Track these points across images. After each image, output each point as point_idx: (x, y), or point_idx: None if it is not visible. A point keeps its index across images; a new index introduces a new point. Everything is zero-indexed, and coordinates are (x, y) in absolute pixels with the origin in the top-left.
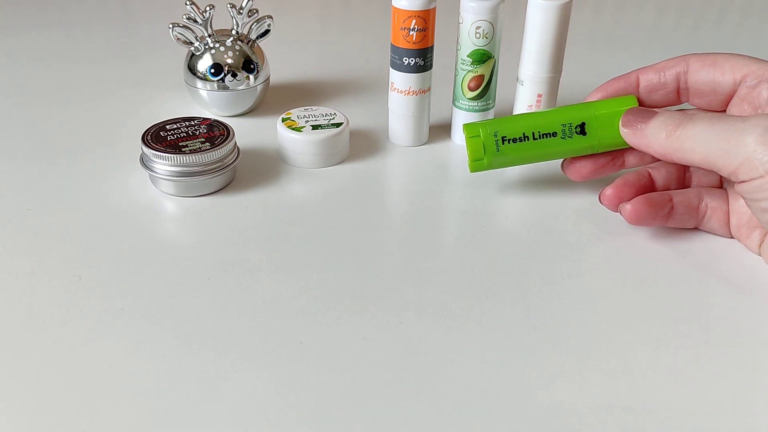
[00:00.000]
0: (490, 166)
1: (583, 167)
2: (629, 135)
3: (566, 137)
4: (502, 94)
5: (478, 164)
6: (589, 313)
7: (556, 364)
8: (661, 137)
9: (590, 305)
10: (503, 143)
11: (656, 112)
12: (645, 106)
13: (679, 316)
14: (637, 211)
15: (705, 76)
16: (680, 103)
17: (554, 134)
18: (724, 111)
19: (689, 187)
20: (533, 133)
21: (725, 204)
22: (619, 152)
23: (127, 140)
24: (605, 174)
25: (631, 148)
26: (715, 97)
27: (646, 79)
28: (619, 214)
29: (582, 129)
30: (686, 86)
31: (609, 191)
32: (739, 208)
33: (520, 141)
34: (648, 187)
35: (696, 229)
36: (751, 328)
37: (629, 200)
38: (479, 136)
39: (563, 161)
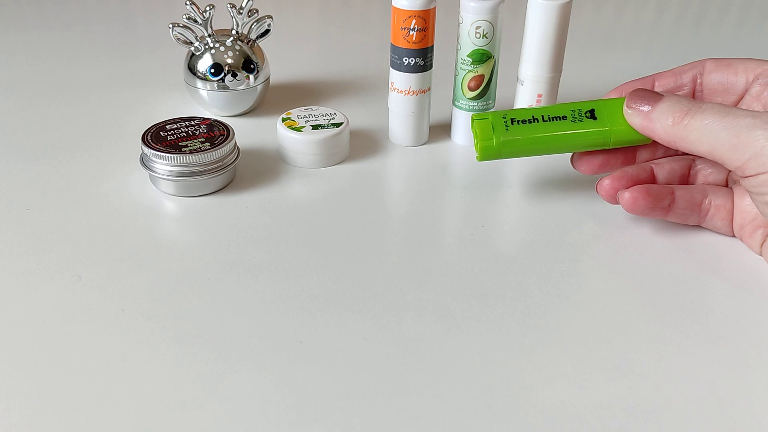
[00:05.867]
0: (499, 151)
1: (594, 159)
2: (633, 116)
3: (576, 120)
4: (502, 94)
5: (486, 146)
6: (589, 313)
7: (556, 364)
8: (667, 123)
9: (590, 305)
10: (512, 124)
11: (663, 96)
12: None
13: (680, 315)
14: (635, 199)
15: (719, 76)
16: None
17: (564, 117)
18: None
19: (693, 184)
20: (542, 116)
21: (729, 203)
22: (630, 148)
23: (127, 140)
24: (615, 167)
25: (642, 146)
26: (727, 97)
27: (663, 83)
28: (616, 206)
29: (592, 114)
30: (701, 88)
31: (606, 182)
32: (743, 207)
33: (530, 122)
34: (647, 181)
35: (698, 227)
36: (752, 328)
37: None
38: (488, 118)
39: (572, 155)
